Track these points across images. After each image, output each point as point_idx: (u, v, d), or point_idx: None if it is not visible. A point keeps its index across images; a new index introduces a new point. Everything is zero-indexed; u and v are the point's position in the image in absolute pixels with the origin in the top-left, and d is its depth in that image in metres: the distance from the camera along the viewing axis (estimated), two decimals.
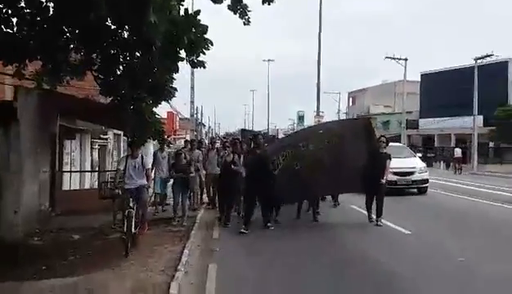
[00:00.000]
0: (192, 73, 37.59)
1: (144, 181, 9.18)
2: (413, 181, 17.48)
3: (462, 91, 39.69)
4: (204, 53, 8.15)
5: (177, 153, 12.20)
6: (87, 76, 9.31)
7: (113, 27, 8.31)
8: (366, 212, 11.54)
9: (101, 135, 19.38)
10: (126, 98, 9.03)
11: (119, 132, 21.83)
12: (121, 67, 8.93)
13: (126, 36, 8.42)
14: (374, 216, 11.22)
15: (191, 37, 7.63)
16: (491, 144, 42.03)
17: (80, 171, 16.44)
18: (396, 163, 14.60)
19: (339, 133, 11.32)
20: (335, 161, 10.87)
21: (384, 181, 11.14)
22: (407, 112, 44.80)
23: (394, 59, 40.94)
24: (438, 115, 45.06)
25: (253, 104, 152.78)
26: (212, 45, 7.95)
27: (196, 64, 8.32)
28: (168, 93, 9.54)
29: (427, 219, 12.30)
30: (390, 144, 14.03)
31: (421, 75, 50.87)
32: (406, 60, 41.15)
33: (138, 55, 8.57)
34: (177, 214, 11.45)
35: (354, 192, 12.68)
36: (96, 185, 16.71)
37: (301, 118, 73.65)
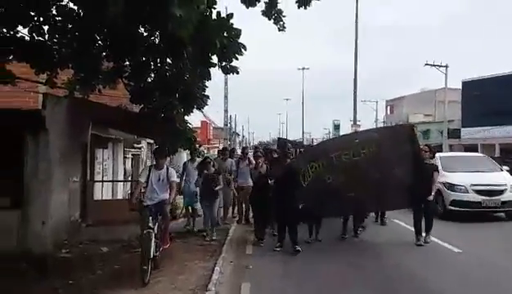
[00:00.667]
0: (226, 82, 37.45)
1: (166, 195, 8.31)
2: (503, 203, 13.18)
3: (506, 98, 38.19)
4: (236, 58, 7.73)
5: (204, 160, 11.32)
6: (119, 84, 9.08)
7: (144, 33, 8.08)
8: (412, 228, 10.29)
9: (134, 145, 19.25)
10: (156, 106, 8.75)
11: (153, 141, 21.74)
12: (152, 74, 8.67)
13: (157, 42, 8.15)
14: (422, 237, 10.01)
15: (224, 42, 7.21)
16: None
17: (112, 181, 16.25)
18: (478, 179, 13.28)
19: (378, 142, 9.92)
20: (374, 173, 9.67)
21: (431, 198, 10.04)
22: (449, 121, 43.41)
23: (434, 66, 39.82)
24: (481, 124, 43.44)
25: (286, 114, 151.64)
26: (245, 50, 7.51)
27: (229, 70, 7.90)
28: (199, 101, 9.21)
29: None
30: (467, 153, 12.93)
31: (463, 83, 49.19)
32: (446, 67, 40.01)
33: (169, 61, 8.28)
34: (208, 227, 10.72)
35: (400, 208, 11.07)
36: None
37: (337, 127, 72.74)
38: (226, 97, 39.43)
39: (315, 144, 16.36)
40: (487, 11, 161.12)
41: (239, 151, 21.76)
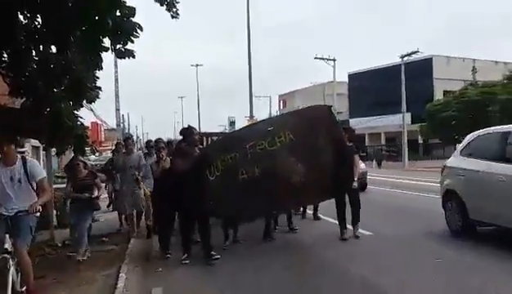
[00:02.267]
0: (116, 79, 35.70)
1: (26, 204, 5.33)
2: None
3: (389, 89, 40.59)
4: (132, 40, 7.02)
5: (70, 163, 8.54)
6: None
7: (23, 20, 7.09)
8: (335, 221, 9.03)
9: (18, 149, 17.46)
10: (40, 99, 7.75)
11: (38, 144, 20.00)
12: (34, 63, 7.68)
13: (38, 26, 7.21)
14: (346, 230, 8.75)
15: (116, 20, 6.46)
16: (421, 141, 43.20)
17: None
18: None
19: (294, 128, 8.34)
20: (293, 164, 8.12)
21: (356, 185, 8.79)
22: (338, 112, 45.18)
23: (323, 59, 41.09)
24: (368, 114, 45.86)
25: (182, 112, 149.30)
26: (141, 30, 6.83)
27: (124, 54, 7.15)
28: (90, 92, 8.36)
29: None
30: None
31: (349, 75, 51.77)
32: (334, 60, 41.41)
33: (54, 47, 7.36)
34: (79, 245, 7.71)
35: (323, 200, 9.46)
36: None
37: (232, 124, 72.97)
38: (117, 95, 37.60)
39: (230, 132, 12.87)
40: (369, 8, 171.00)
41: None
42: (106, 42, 7.03)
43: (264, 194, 7.81)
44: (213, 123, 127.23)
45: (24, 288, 5.32)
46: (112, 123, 47.82)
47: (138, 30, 6.86)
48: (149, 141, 11.23)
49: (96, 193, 7.86)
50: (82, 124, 8.96)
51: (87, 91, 8.26)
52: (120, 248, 8.74)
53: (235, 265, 7.25)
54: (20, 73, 7.65)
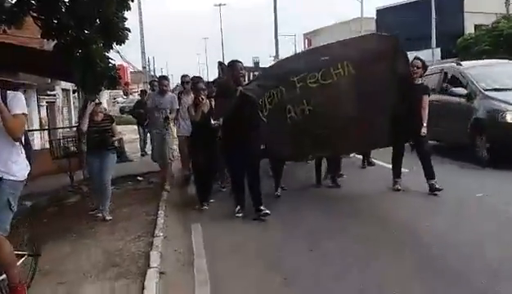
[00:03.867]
0: (141, 22, 35.28)
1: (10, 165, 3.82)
2: None
3: (419, 24, 39.27)
4: None
5: (84, 104, 7.88)
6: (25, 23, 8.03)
7: None
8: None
9: (48, 91, 17.78)
10: (72, 41, 7.79)
11: (68, 87, 20.31)
12: (64, 4, 7.69)
13: None
14: (400, 180, 7.61)
15: None
16: None
17: (27, 131, 14.91)
18: None
19: (356, 59, 6.96)
20: (351, 102, 6.96)
21: (425, 131, 7.25)
22: None
23: None
24: None
25: (205, 53, 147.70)
26: None
27: None
28: (120, 34, 8.34)
29: None
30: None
31: (377, 10, 50.11)
32: None
33: None
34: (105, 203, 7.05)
35: (382, 146, 7.94)
36: (47, 145, 15.38)
37: (256, 64, 71.98)
38: (142, 38, 37.22)
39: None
40: None
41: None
42: None
43: (314, 137, 6.95)
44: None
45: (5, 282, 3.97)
46: (138, 66, 47.86)
47: None
48: (184, 76, 9.62)
49: (116, 138, 7.19)
50: (114, 65, 8.99)
51: (118, 32, 8.24)
52: (157, 187, 9.03)
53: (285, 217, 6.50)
54: (51, 14, 7.67)
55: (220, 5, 64.43)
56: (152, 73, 65.55)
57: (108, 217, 6.86)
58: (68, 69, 8.16)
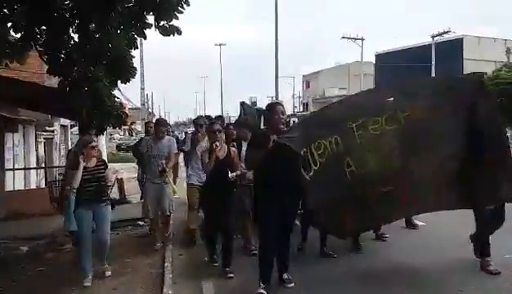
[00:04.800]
0: (141, 59, 35.32)
1: None
2: None
3: (417, 69, 39.58)
4: (176, 17, 6.68)
5: (83, 144, 6.32)
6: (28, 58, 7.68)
7: None
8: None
9: (47, 127, 17.36)
10: (80, 77, 7.43)
11: (66, 123, 19.96)
12: (72, 39, 7.37)
13: None
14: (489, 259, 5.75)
15: None
16: None
17: (25, 169, 14.46)
18: None
19: (429, 101, 5.72)
20: (423, 151, 5.66)
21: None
22: None
23: (351, 39, 40.35)
24: None
25: (204, 91, 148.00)
26: (188, 5, 6.48)
27: (168, 31, 6.81)
28: (130, 72, 7.99)
29: None
30: None
31: (376, 55, 50.76)
32: (362, 39, 40.62)
33: (93, 21, 7.03)
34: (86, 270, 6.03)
35: (462, 207, 5.92)
36: (43, 184, 14.87)
37: (254, 104, 72.18)
38: (142, 74, 37.28)
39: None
40: None
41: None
42: (149, 18, 6.73)
43: (381, 194, 5.58)
44: (235, 104, 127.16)
45: None
46: (135, 102, 47.73)
47: (184, 4, 6.50)
48: (199, 118, 8.55)
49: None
50: (121, 104, 8.62)
51: (127, 70, 7.90)
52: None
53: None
54: (58, 49, 7.35)
55: (220, 44, 64.92)
56: (150, 109, 65.67)
57: (108, 272, 6.16)
58: (73, 107, 7.74)
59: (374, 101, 6.00)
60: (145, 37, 7.12)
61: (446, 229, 7.44)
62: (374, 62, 51.11)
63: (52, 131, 18.31)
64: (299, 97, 65.13)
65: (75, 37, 7.42)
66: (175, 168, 9.93)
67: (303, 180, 5.31)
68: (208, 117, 8.78)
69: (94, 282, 5.97)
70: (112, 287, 5.78)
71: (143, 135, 15.71)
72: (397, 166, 5.61)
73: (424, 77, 37.08)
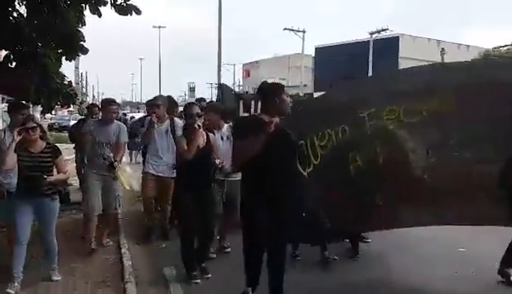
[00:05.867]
0: None
1: None
2: None
3: (355, 64, 40.63)
4: None
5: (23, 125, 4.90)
6: None
7: None
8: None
9: None
10: (29, 53, 7.05)
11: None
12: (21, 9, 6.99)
13: None
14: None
15: None
16: None
17: None
18: None
19: (462, 91, 4.59)
20: (449, 151, 4.62)
21: None
22: (304, 85, 45.13)
23: (293, 30, 40.76)
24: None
25: (141, 74, 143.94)
26: None
27: (126, 10, 6.58)
28: (80, 49, 7.66)
29: None
30: None
31: (316, 48, 51.46)
32: (304, 32, 41.17)
33: None
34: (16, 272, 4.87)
35: (498, 224, 4.78)
36: None
37: (192, 90, 71.78)
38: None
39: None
40: None
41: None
42: None
43: (392, 196, 4.64)
44: (173, 89, 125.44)
45: None
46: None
47: None
48: (157, 97, 7.41)
49: (55, 178, 5.03)
50: (70, 82, 8.27)
51: (77, 48, 7.56)
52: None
53: None
54: (5, 23, 6.92)
55: (160, 27, 63.43)
56: (84, 89, 63.49)
57: (55, 277, 5.18)
58: (18, 84, 7.32)
59: (390, 88, 4.97)
60: (99, 15, 6.79)
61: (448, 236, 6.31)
62: (313, 55, 51.84)
63: None
64: (239, 85, 65.09)
65: (23, 11, 7.04)
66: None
67: (300, 177, 4.65)
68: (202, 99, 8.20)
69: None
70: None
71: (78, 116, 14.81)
72: (413, 165, 4.61)
73: (361, 72, 38.25)
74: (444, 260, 5.83)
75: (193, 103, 5.94)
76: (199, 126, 5.08)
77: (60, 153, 5.13)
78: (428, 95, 4.62)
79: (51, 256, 5.20)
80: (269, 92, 4.45)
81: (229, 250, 6.08)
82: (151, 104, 7.01)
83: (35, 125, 4.89)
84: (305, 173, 4.69)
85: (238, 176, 5.69)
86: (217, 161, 5.50)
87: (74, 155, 11.89)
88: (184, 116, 5.72)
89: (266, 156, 4.07)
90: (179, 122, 6.58)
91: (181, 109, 7.28)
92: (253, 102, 7.23)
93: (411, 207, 4.69)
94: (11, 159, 4.73)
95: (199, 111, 5.35)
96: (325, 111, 5.03)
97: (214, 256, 5.87)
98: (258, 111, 5.88)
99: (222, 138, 6.06)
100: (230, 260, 5.64)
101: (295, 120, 4.86)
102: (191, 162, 5.05)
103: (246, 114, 6.82)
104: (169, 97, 7.77)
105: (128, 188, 6.78)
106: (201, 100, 8.33)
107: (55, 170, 5.04)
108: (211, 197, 5.39)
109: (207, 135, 5.34)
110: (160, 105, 6.71)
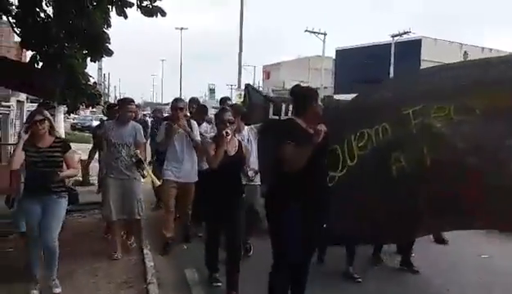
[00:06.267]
0: None
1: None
2: None
3: (376, 67, 40.33)
4: None
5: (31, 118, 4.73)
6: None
7: None
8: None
9: (3, 102, 16.59)
10: (55, 53, 7.11)
11: (22, 99, 19.09)
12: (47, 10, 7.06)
13: None
14: None
15: None
16: None
17: None
18: None
19: None
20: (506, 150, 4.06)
21: None
22: (324, 87, 44.91)
23: (314, 33, 40.74)
24: (353, 91, 45.43)
25: (162, 75, 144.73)
26: None
27: (152, 11, 6.59)
28: (106, 50, 7.70)
29: None
30: None
31: (336, 51, 51.21)
32: (325, 34, 41.04)
33: None
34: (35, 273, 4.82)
35: None
36: None
37: (212, 91, 71.90)
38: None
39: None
40: None
41: None
42: None
43: (439, 199, 4.18)
44: (193, 90, 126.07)
45: None
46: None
47: None
48: (178, 100, 6.67)
49: (63, 174, 4.75)
50: (95, 83, 8.34)
51: (103, 49, 7.61)
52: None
53: None
54: (33, 20, 7.00)
55: (182, 28, 63.84)
56: (106, 89, 64.12)
57: (57, 289, 4.76)
58: (45, 84, 7.40)
59: (437, 84, 4.52)
60: (125, 17, 6.82)
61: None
62: (334, 57, 51.59)
63: (9, 107, 17.50)
64: (259, 87, 65.02)
65: (50, 12, 7.11)
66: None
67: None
68: (192, 99, 7.72)
69: None
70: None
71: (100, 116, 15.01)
72: (464, 168, 4.09)
73: (382, 75, 37.95)
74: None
75: (226, 108, 5.35)
76: (227, 133, 4.69)
77: (70, 147, 4.88)
78: (483, 90, 4.16)
79: (51, 264, 4.73)
80: (305, 97, 4.14)
81: (251, 253, 6.01)
82: (175, 108, 6.34)
83: (42, 118, 4.65)
84: (336, 175, 4.45)
85: (257, 181, 5.92)
86: (250, 172, 5.46)
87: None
88: (216, 121, 5.25)
89: (311, 161, 3.79)
90: (195, 124, 6.45)
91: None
92: (283, 105, 6.93)
93: (461, 211, 4.20)
94: (19, 158, 4.56)
95: (232, 118, 4.93)
96: (364, 110, 4.76)
97: (220, 284, 5.23)
98: (289, 114, 6.09)
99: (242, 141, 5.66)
100: (253, 264, 5.39)
101: (330, 123, 4.38)
102: (222, 169, 4.69)
103: (276, 117, 6.68)
104: (197, 100, 7.71)
105: (159, 183, 6.43)
106: (227, 99, 8.13)
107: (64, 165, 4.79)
108: (240, 207, 4.93)
109: (239, 143, 5.01)
110: (183, 108, 6.43)
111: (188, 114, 6.89)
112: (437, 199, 4.18)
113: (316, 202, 3.97)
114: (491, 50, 46.28)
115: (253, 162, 5.94)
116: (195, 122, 6.51)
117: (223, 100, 7.84)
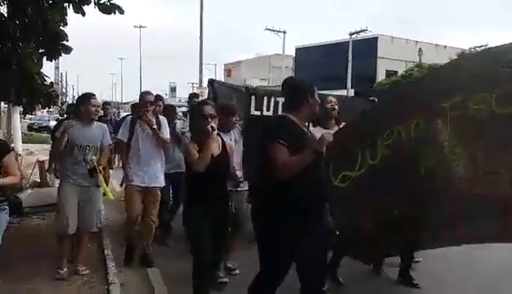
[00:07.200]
0: None
1: None
2: None
3: (335, 65, 41.01)
4: None
5: None
6: None
7: None
8: None
9: None
10: (9, 52, 6.98)
11: None
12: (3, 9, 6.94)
13: None
14: None
15: None
16: None
17: None
18: None
19: None
20: None
21: None
22: None
23: (274, 31, 40.98)
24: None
25: (121, 73, 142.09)
26: None
27: (109, 9, 6.58)
28: (63, 49, 7.61)
29: None
30: None
31: (296, 49, 51.80)
32: (284, 32, 41.38)
33: None
34: None
35: None
36: None
37: (173, 90, 71.41)
38: None
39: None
40: None
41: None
42: None
43: (470, 204, 3.46)
44: (153, 88, 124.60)
45: None
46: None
47: None
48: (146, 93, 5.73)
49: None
50: (51, 83, 8.22)
51: (60, 48, 7.52)
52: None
53: None
54: None
55: (140, 26, 63.07)
56: (64, 89, 62.58)
57: None
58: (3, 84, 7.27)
59: (482, 70, 3.65)
60: (83, 14, 6.77)
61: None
62: (294, 55, 52.15)
63: None
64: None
65: (4, 10, 6.99)
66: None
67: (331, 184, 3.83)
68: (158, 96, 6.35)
69: None
70: None
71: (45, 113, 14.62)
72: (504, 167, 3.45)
73: (339, 71, 38.56)
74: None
75: (206, 101, 4.58)
76: (212, 128, 3.92)
77: (9, 150, 4.04)
78: None
79: None
80: (301, 90, 3.51)
81: (237, 271, 5.13)
82: (146, 101, 5.43)
83: None
84: (355, 174, 3.86)
85: (245, 187, 5.18)
86: (238, 173, 4.80)
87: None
88: (191, 116, 4.57)
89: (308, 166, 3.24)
90: (165, 121, 5.59)
91: None
92: (265, 98, 6.07)
93: (499, 218, 3.46)
94: None
95: (214, 112, 4.06)
96: (392, 108, 4.13)
97: (227, 280, 4.85)
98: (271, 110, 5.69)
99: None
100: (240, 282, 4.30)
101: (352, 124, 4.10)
102: (205, 173, 3.90)
103: (258, 113, 5.90)
104: (162, 98, 6.73)
105: (112, 198, 5.37)
106: (194, 95, 7.73)
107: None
108: (226, 213, 4.23)
109: (222, 142, 4.20)
110: (153, 102, 5.55)
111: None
112: (469, 202, 3.49)
113: (318, 214, 3.46)
114: (445, 47, 47.76)
115: (239, 163, 5.16)
116: (164, 119, 5.64)
117: (191, 97, 7.54)
